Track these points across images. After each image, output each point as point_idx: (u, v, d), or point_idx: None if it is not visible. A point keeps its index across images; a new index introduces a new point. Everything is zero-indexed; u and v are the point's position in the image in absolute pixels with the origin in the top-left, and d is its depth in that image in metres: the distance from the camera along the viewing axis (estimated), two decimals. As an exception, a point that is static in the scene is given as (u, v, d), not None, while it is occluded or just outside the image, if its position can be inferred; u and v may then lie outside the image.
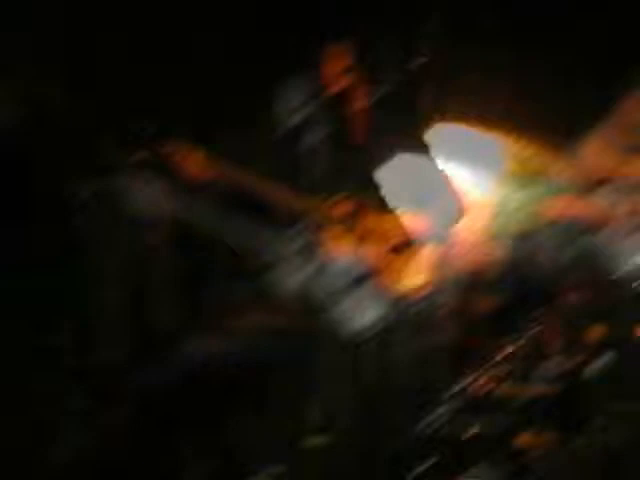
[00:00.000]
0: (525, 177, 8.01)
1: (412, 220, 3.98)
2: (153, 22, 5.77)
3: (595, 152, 4.26)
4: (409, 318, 4.08)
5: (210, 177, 3.89)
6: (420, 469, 4.42)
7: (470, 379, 6.03)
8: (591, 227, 6.53)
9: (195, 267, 7.10)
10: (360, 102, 4.04)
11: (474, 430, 4.93)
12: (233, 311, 6.49)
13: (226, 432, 5.34)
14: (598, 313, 6.25)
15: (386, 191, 4.06)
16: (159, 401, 5.32)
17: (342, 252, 3.87)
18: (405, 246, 3.98)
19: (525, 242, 7.00)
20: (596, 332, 5.88)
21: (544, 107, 7.33)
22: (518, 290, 6.58)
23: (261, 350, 5.64)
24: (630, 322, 5.90)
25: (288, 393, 5.59)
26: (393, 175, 4.19)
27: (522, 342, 6.07)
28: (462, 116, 7.42)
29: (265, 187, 3.88)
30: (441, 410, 4.97)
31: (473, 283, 6.77)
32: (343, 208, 3.89)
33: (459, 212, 4.10)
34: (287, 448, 5.13)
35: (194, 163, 3.86)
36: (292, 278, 7.55)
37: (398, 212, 3.98)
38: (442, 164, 4.50)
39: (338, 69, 3.95)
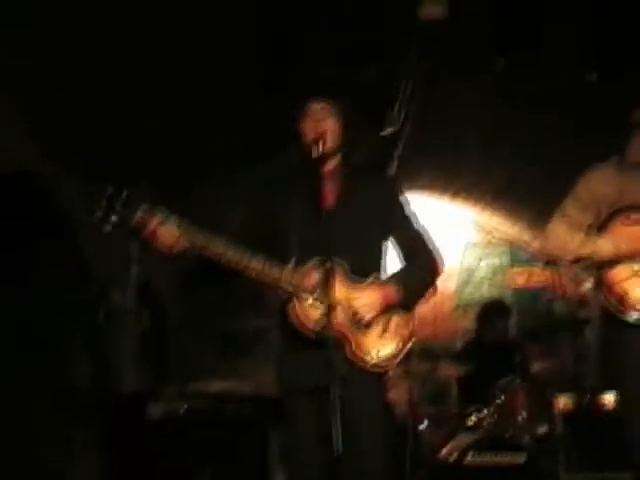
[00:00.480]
0: (491, 247, 8.12)
1: (381, 290, 3.99)
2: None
3: (562, 229, 4.32)
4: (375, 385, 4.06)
5: (181, 247, 3.86)
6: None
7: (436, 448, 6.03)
8: (555, 297, 6.61)
9: (164, 332, 7.12)
10: (333, 167, 4.05)
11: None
12: (200, 375, 6.50)
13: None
14: (563, 383, 6.30)
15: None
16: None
17: (311, 322, 3.86)
18: (374, 317, 3.97)
19: (491, 311, 7.06)
20: (561, 402, 5.90)
21: (513, 179, 7.47)
22: (484, 359, 6.61)
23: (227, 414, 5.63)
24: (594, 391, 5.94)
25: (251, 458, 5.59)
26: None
27: (488, 411, 6.07)
28: (430, 186, 7.53)
29: (235, 257, 3.87)
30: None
31: (440, 352, 6.82)
32: (313, 277, 3.89)
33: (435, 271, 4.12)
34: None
35: (166, 232, 3.84)
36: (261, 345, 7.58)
37: (367, 282, 3.98)
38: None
39: (315, 134, 3.97)
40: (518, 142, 7.00)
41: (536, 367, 6.56)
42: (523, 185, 7.42)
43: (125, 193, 3.81)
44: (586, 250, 4.27)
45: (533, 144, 6.99)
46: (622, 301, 4.21)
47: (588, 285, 4.80)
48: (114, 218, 3.81)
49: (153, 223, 3.82)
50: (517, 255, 7.77)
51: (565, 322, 6.62)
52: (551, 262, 5.29)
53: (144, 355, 6.61)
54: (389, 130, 6.71)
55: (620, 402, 4.53)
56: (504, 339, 6.91)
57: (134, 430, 5.50)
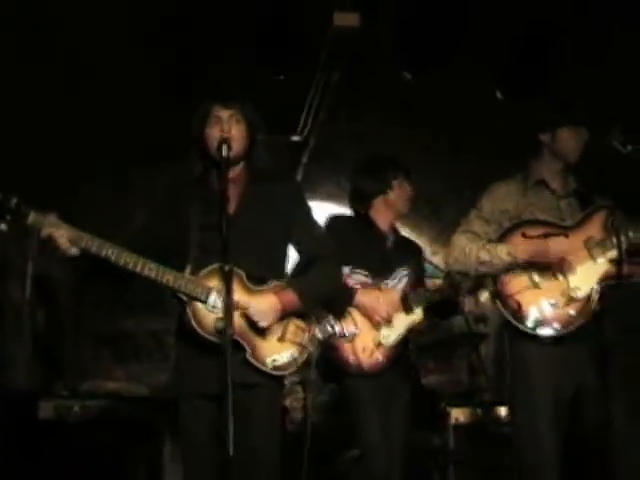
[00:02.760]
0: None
1: (279, 296, 3.99)
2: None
3: (465, 241, 4.39)
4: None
5: (76, 252, 3.81)
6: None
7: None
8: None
9: (58, 330, 6.99)
10: (237, 173, 4.03)
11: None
12: (94, 375, 6.40)
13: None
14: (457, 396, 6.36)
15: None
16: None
17: (208, 327, 3.85)
18: (271, 324, 3.98)
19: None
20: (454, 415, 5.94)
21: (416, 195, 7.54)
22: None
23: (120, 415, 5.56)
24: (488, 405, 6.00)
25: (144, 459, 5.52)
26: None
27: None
28: (334, 195, 7.54)
29: (133, 260, 3.84)
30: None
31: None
32: (209, 283, 3.87)
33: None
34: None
35: (59, 238, 3.78)
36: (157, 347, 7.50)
37: (266, 287, 3.98)
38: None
39: (220, 139, 3.94)
40: (422, 158, 7.09)
41: (430, 380, 6.62)
42: (426, 200, 7.50)
43: (14, 200, 3.75)
44: (483, 255, 4.34)
45: (436, 162, 7.10)
46: (517, 312, 4.30)
47: (485, 297, 4.87)
48: (3, 226, 3.75)
49: (45, 230, 3.76)
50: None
51: (462, 336, 6.67)
52: (452, 275, 5.32)
53: (37, 352, 6.48)
54: (295, 138, 6.73)
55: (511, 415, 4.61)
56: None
57: (24, 428, 5.40)
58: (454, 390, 6.79)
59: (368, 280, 4.92)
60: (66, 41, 5.52)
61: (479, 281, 4.81)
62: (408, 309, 4.96)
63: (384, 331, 4.88)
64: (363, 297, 4.86)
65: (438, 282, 5.38)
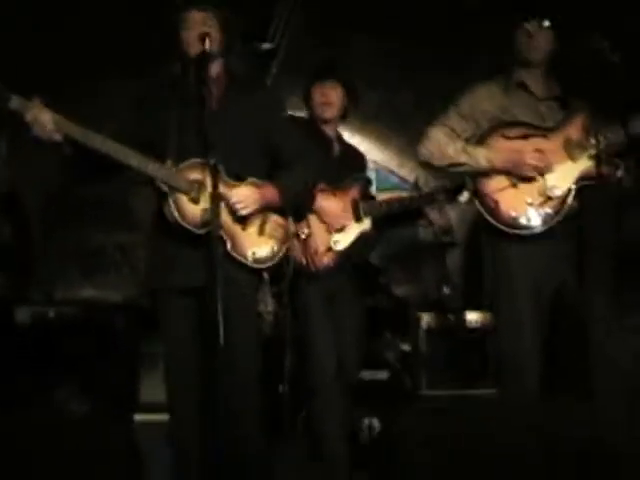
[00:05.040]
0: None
1: (258, 188, 4.01)
2: None
3: (441, 135, 4.42)
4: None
5: (59, 137, 3.79)
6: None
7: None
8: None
9: (26, 242, 6.96)
10: (216, 73, 4.03)
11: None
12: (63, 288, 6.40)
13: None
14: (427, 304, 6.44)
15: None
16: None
17: (190, 218, 3.85)
18: (250, 214, 3.99)
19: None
20: (425, 320, 6.03)
21: (383, 105, 7.54)
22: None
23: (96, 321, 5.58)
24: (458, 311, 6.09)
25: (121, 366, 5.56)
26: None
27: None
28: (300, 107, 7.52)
29: (116, 148, 3.83)
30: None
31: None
32: (194, 174, 3.87)
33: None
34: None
35: (44, 121, 3.76)
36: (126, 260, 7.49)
37: (245, 182, 3.99)
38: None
39: (198, 35, 3.93)
40: (391, 68, 7.08)
41: (400, 289, 6.70)
42: (393, 112, 7.51)
43: None
44: (462, 158, 4.38)
45: (406, 70, 7.08)
46: (495, 211, 4.34)
47: (465, 197, 4.89)
48: None
49: (29, 113, 3.73)
50: (384, 181, 7.85)
51: (429, 246, 6.75)
52: (417, 186, 5.35)
53: (5, 264, 6.46)
54: (266, 46, 6.69)
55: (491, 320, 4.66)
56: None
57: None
58: (423, 299, 6.90)
59: (323, 186, 4.86)
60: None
61: (459, 182, 4.84)
62: (358, 218, 4.99)
63: (335, 236, 4.89)
64: (323, 201, 4.85)
65: (404, 195, 5.43)
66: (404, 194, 5.58)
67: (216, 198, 3.71)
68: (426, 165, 4.60)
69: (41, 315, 5.43)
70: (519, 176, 4.32)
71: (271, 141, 4.18)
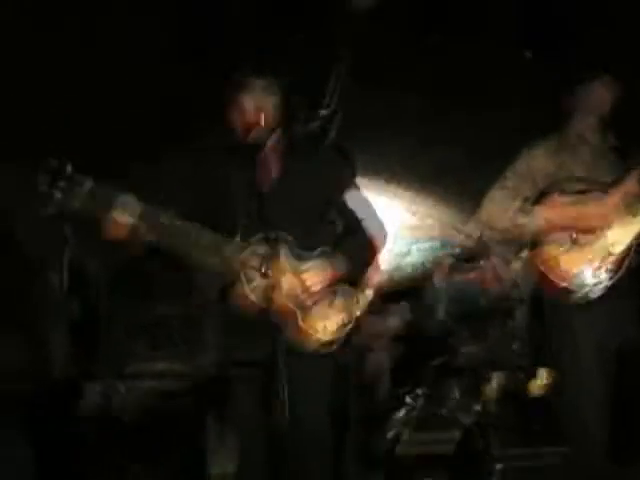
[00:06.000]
0: (422, 232, 8.15)
1: (328, 263, 4.00)
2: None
3: (499, 197, 4.41)
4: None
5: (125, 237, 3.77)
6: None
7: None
8: (485, 282, 6.67)
9: (95, 319, 7.02)
10: (271, 147, 4.04)
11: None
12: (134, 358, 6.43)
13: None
14: (496, 363, 6.37)
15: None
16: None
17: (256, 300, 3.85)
18: (322, 289, 3.98)
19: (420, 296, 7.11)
20: (495, 381, 5.98)
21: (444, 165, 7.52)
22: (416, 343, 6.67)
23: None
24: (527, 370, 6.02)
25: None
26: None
27: (422, 391, 6.13)
28: (363, 169, 7.53)
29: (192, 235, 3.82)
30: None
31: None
32: (258, 253, 3.87)
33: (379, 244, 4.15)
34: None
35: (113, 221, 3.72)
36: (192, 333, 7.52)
37: (314, 254, 3.99)
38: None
39: (250, 115, 3.95)
40: (452, 127, 7.07)
41: (468, 349, 6.63)
42: (454, 172, 7.48)
43: (69, 167, 3.69)
44: (522, 219, 4.36)
45: (468, 130, 7.07)
46: (554, 270, 4.31)
47: (518, 264, 4.88)
48: (58, 195, 3.64)
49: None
50: (448, 241, 7.82)
51: (496, 304, 6.69)
52: (482, 244, 5.34)
53: (74, 342, 6.52)
54: (324, 112, 6.73)
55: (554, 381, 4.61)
56: (435, 322, 6.97)
57: (69, 413, 5.44)
58: (492, 358, 6.82)
59: None
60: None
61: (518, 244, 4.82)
62: None
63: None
64: None
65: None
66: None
67: (277, 276, 3.72)
68: (489, 227, 4.61)
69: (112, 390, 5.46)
70: (579, 233, 4.30)
71: (336, 199, 4.17)
